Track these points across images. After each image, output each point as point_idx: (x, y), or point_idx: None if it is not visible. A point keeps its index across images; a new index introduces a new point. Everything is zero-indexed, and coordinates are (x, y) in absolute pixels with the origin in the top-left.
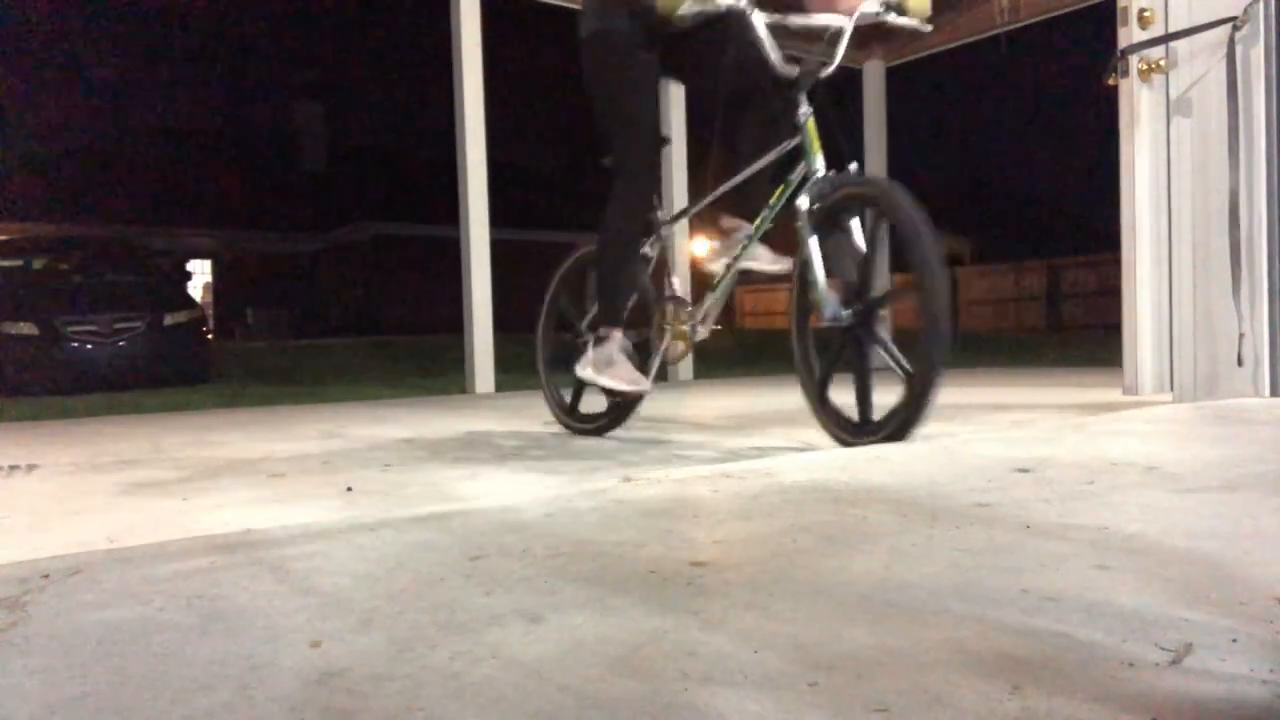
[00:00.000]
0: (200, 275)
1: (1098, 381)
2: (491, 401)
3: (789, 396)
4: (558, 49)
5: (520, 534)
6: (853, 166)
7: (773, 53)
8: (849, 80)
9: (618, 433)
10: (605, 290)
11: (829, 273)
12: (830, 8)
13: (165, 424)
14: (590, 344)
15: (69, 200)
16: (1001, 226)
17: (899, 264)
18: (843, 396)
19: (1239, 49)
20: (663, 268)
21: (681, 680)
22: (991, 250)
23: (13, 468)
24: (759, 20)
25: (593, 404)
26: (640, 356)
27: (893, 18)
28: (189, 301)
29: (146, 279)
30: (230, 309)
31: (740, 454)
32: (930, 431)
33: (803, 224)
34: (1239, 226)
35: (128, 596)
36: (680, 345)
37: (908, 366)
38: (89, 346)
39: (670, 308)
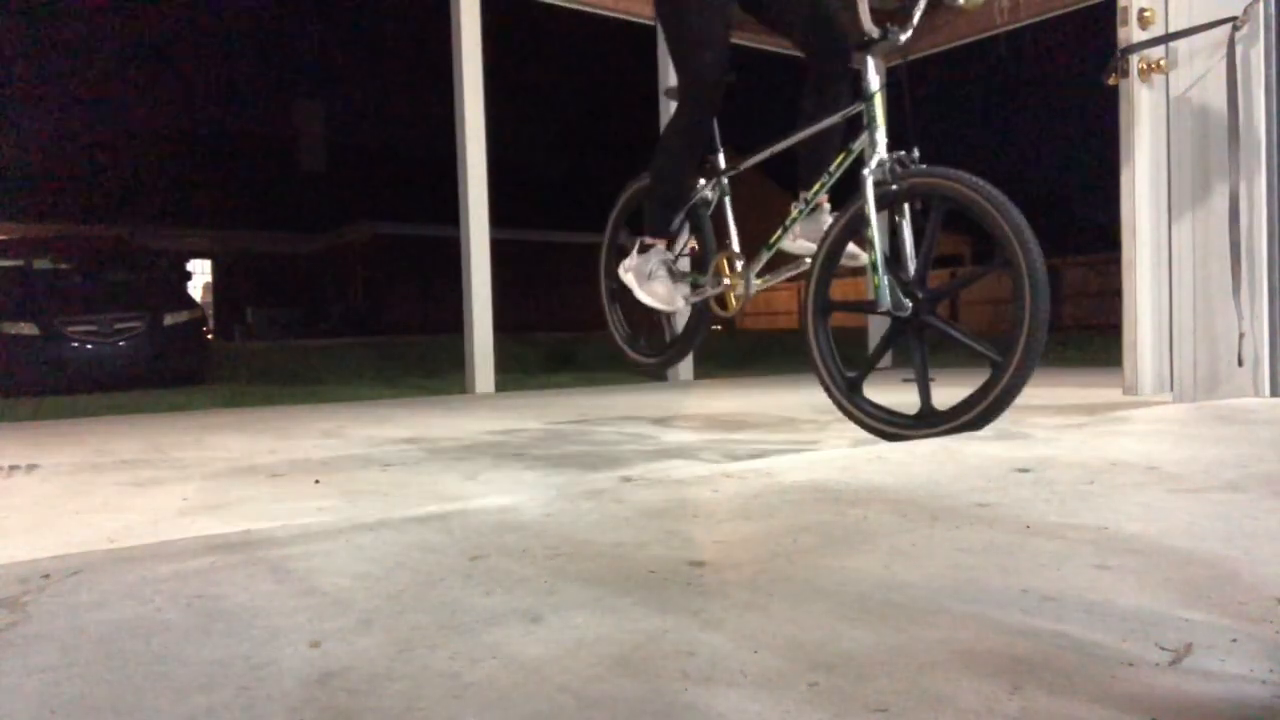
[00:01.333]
0: (200, 275)
1: (1098, 381)
2: (491, 401)
3: (789, 397)
4: (558, 49)
5: (520, 534)
6: (915, 153)
7: (865, 10)
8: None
9: (617, 431)
10: (655, 198)
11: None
12: None
13: (165, 424)
14: (635, 250)
15: (69, 200)
16: None
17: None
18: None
19: (1239, 49)
20: (722, 216)
21: (681, 680)
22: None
23: (13, 468)
24: None
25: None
26: (695, 307)
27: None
28: (189, 301)
29: (146, 279)
30: (230, 309)
31: (740, 454)
32: None
33: (867, 203)
34: (1239, 226)
35: (128, 596)
36: (734, 295)
37: (995, 355)
38: (89, 346)
39: (726, 258)
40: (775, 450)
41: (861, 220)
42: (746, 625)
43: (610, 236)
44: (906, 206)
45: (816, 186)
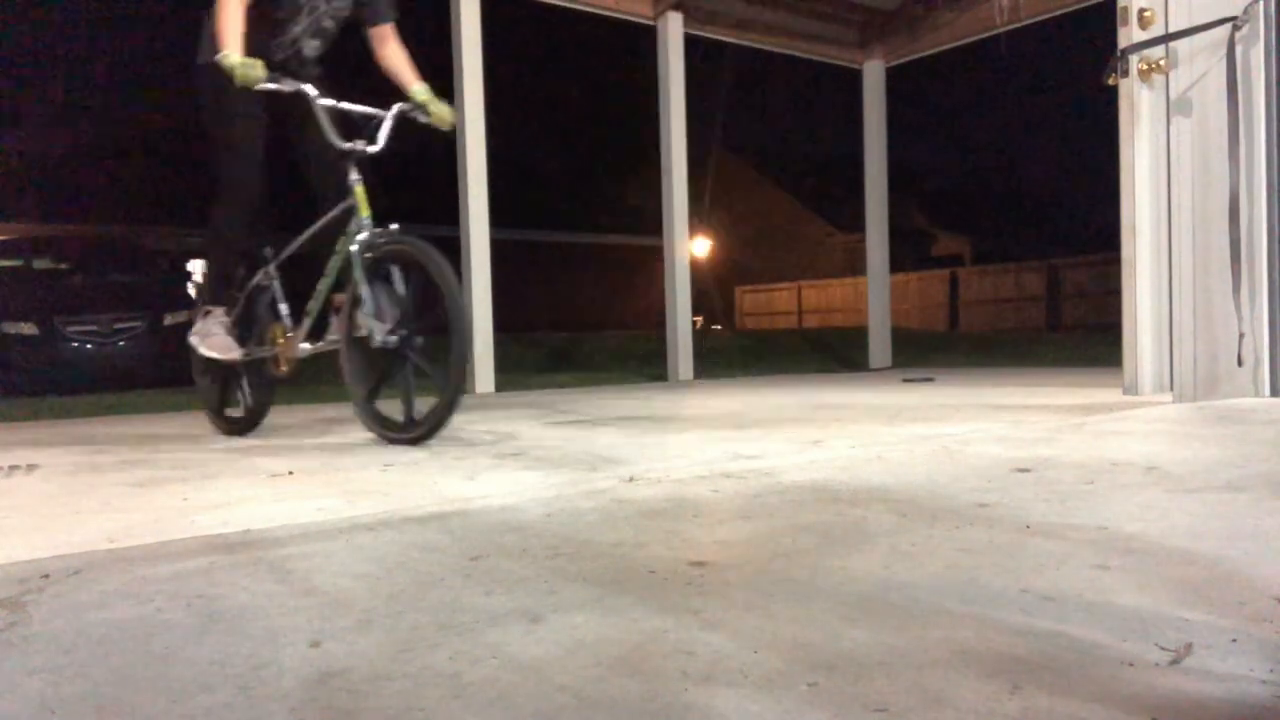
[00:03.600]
0: (200, 275)
1: (1098, 381)
2: (491, 401)
3: (788, 396)
4: (558, 49)
5: (520, 534)
6: (394, 226)
7: (330, 130)
8: (850, 80)
9: (617, 431)
10: (210, 277)
11: (377, 307)
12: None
13: (165, 424)
14: (200, 317)
15: (69, 200)
16: (1001, 226)
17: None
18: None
19: (1239, 49)
20: (273, 297)
21: (681, 680)
22: (991, 250)
23: (13, 468)
24: (319, 104)
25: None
26: (260, 372)
27: (420, 117)
28: (189, 301)
29: (146, 279)
30: None
31: (740, 454)
32: (930, 431)
33: (355, 268)
34: (1239, 226)
35: (128, 596)
36: (285, 358)
37: (441, 381)
38: (89, 346)
39: (277, 329)
40: (775, 450)
41: (353, 284)
42: (746, 625)
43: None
44: (394, 267)
45: (324, 279)
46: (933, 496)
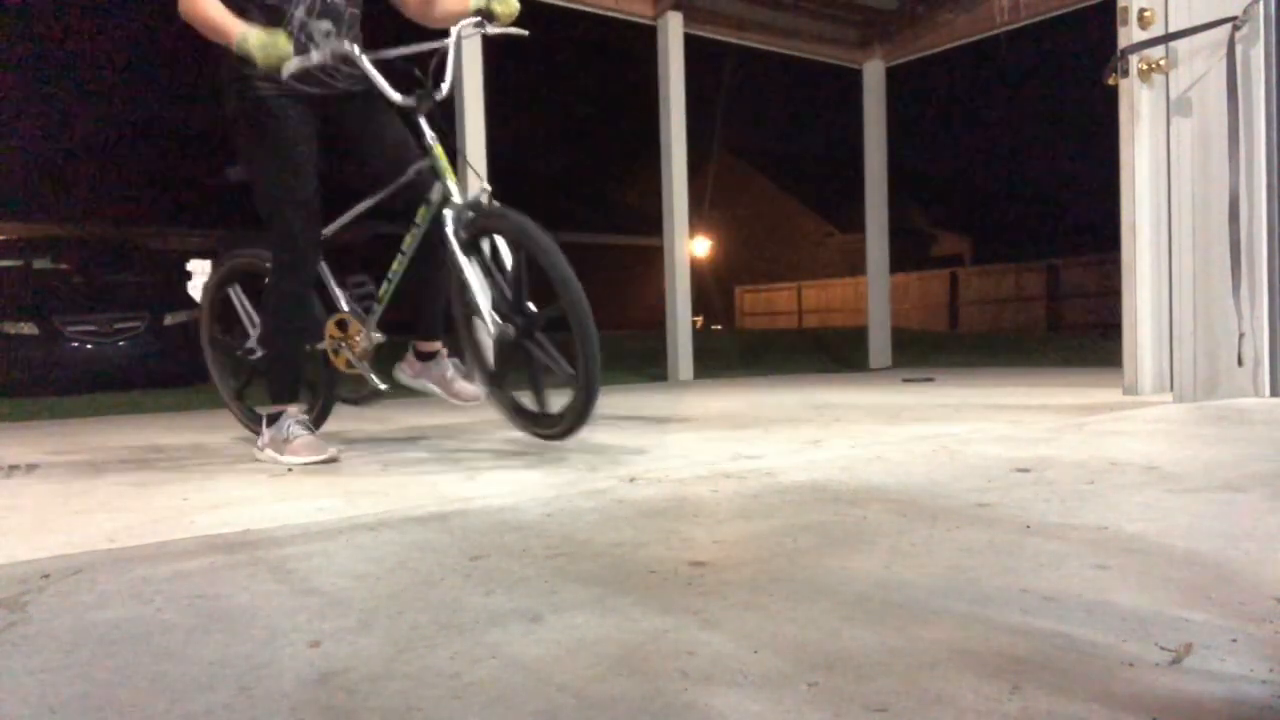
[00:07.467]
0: (200, 275)
1: (1098, 381)
2: None
3: (789, 396)
4: (559, 49)
5: (520, 534)
6: (485, 187)
7: (386, 88)
8: (850, 81)
9: (617, 431)
10: (276, 370)
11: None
12: (446, 20)
13: (165, 424)
14: (264, 424)
15: (69, 200)
16: (1001, 226)
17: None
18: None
19: (1239, 49)
20: (323, 283)
21: (681, 680)
22: (991, 250)
23: (13, 468)
24: (363, 58)
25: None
26: (327, 373)
27: (488, 28)
28: (189, 301)
29: (146, 279)
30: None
31: (740, 454)
32: (930, 431)
33: (453, 250)
34: (1239, 226)
35: (128, 596)
36: (361, 352)
37: (572, 371)
38: (89, 346)
39: (335, 321)
40: (775, 450)
41: (456, 268)
42: (746, 625)
43: (211, 302)
44: (501, 241)
45: (406, 244)
46: (933, 496)
